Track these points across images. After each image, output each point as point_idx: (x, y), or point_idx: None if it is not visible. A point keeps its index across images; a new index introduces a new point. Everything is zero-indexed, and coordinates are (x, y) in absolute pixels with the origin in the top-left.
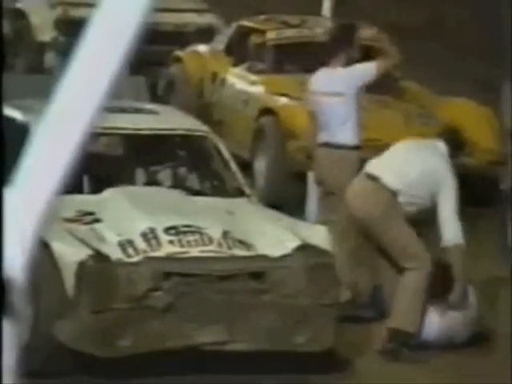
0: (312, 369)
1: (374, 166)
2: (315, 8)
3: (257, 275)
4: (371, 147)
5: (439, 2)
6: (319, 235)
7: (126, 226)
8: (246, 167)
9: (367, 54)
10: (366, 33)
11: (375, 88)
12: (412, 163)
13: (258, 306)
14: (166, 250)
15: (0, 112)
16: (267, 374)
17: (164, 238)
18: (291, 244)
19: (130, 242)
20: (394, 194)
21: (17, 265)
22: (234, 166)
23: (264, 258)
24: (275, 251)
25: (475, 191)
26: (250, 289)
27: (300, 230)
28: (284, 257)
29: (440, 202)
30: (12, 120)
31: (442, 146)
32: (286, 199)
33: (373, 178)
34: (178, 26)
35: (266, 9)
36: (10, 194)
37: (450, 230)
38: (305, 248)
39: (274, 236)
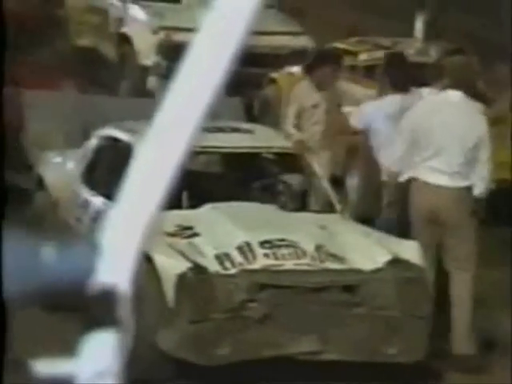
0: (403, 380)
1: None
2: (409, 30)
3: (349, 288)
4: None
5: None
6: (410, 250)
7: (223, 240)
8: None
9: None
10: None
11: None
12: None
13: (350, 318)
14: (261, 262)
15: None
16: None
17: (259, 251)
18: (383, 258)
19: (227, 255)
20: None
21: (122, 279)
22: (326, 182)
23: (356, 271)
24: (367, 265)
25: None
26: (342, 301)
27: (391, 244)
28: (376, 271)
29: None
30: (117, 141)
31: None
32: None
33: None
34: (274, 48)
35: (362, 31)
36: (114, 211)
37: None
38: (396, 262)
39: (365, 250)
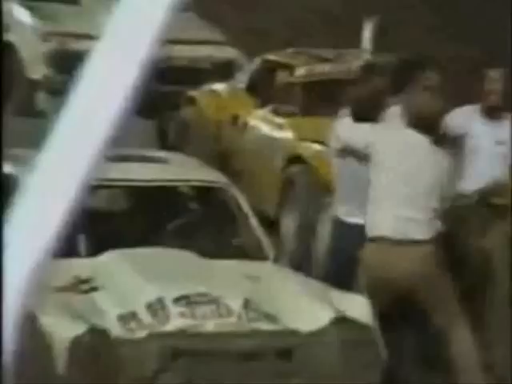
0: None
1: None
2: (353, 40)
3: (284, 353)
4: None
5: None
6: (359, 307)
7: (129, 296)
8: (272, 225)
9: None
10: None
11: None
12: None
13: None
14: (176, 323)
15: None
16: None
17: (174, 309)
18: (325, 317)
19: (134, 315)
20: None
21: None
22: (256, 223)
23: (293, 333)
24: (306, 325)
25: None
26: (276, 369)
27: (336, 300)
28: (317, 332)
29: None
30: None
31: None
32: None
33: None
34: (192, 60)
35: (296, 42)
36: None
37: None
38: (341, 322)
39: (304, 307)
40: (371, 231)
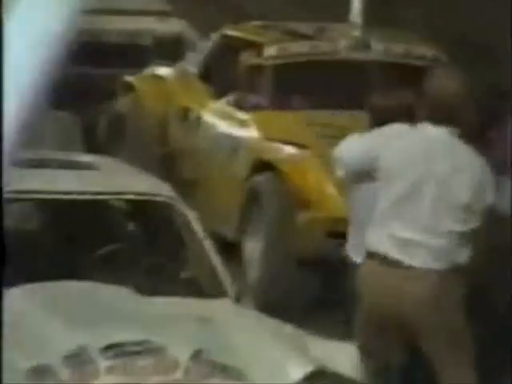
0: None
1: None
2: (340, 10)
3: None
4: None
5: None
6: (342, 356)
7: (41, 345)
8: (232, 251)
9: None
10: (423, 50)
11: None
12: None
13: None
14: (105, 380)
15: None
16: None
17: (101, 362)
18: (299, 370)
19: (49, 370)
20: None
21: None
22: (212, 248)
23: None
24: (274, 380)
25: None
26: None
27: (315, 348)
28: None
29: None
30: None
31: None
32: (294, 300)
33: None
34: (129, 35)
35: (266, 14)
36: None
37: None
38: (320, 376)
39: (272, 358)
40: (367, 246)
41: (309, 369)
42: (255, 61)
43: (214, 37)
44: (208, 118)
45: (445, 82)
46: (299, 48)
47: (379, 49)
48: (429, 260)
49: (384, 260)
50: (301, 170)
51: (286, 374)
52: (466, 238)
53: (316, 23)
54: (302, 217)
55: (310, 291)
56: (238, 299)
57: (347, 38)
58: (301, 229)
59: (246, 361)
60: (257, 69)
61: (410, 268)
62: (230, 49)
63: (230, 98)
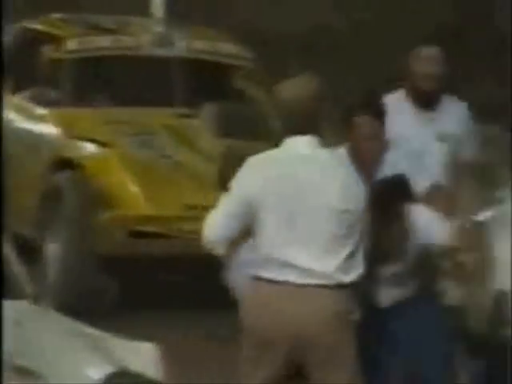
0: None
1: None
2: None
3: None
4: None
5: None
6: (143, 357)
7: None
8: (32, 252)
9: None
10: (227, 47)
11: None
12: None
13: None
14: None
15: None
16: None
17: None
18: (98, 371)
19: None
20: None
21: None
22: (10, 250)
23: None
24: (74, 381)
25: None
26: None
27: (118, 350)
28: None
29: None
30: None
31: None
32: (97, 302)
33: None
34: None
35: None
36: None
37: None
38: (120, 376)
39: (72, 359)
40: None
41: (109, 369)
42: (56, 55)
43: (12, 29)
44: (4, 112)
45: (297, 91)
46: (101, 42)
47: (182, 45)
48: (317, 279)
49: (273, 284)
50: (102, 167)
51: (86, 375)
52: (350, 252)
53: (118, 17)
54: (105, 216)
55: (112, 291)
56: (36, 300)
57: (150, 33)
58: (103, 228)
59: (45, 362)
60: (58, 63)
61: (299, 288)
62: (28, 42)
63: (28, 92)
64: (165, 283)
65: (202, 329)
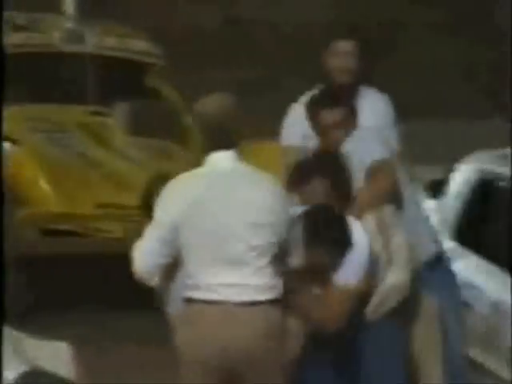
0: None
1: None
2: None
3: None
4: None
5: None
6: (56, 356)
7: None
8: None
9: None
10: (139, 44)
11: None
12: None
13: None
14: None
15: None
16: None
17: None
18: (13, 370)
19: None
20: None
21: None
22: None
23: None
24: None
25: None
26: None
27: (32, 349)
28: None
29: None
30: None
31: None
32: (11, 301)
33: None
34: None
35: None
36: None
37: None
38: (33, 376)
39: None
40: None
41: (22, 369)
42: None
43: None
44: None
45: (215, 108)
46: (13, 39)
47: (93, 42)
48: (247, 296)
49: (203, 303)
50: (14, 165)
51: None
52: (274, 266)
53: (28, 14)
54: (17, 214)
55: (26, 291)
56: None
57: (61, 29)
58: (15, 227)
59: None
60: None
61: (230, 306)
62: None
63: None
64: (79, 282)
65: (113, 329)
